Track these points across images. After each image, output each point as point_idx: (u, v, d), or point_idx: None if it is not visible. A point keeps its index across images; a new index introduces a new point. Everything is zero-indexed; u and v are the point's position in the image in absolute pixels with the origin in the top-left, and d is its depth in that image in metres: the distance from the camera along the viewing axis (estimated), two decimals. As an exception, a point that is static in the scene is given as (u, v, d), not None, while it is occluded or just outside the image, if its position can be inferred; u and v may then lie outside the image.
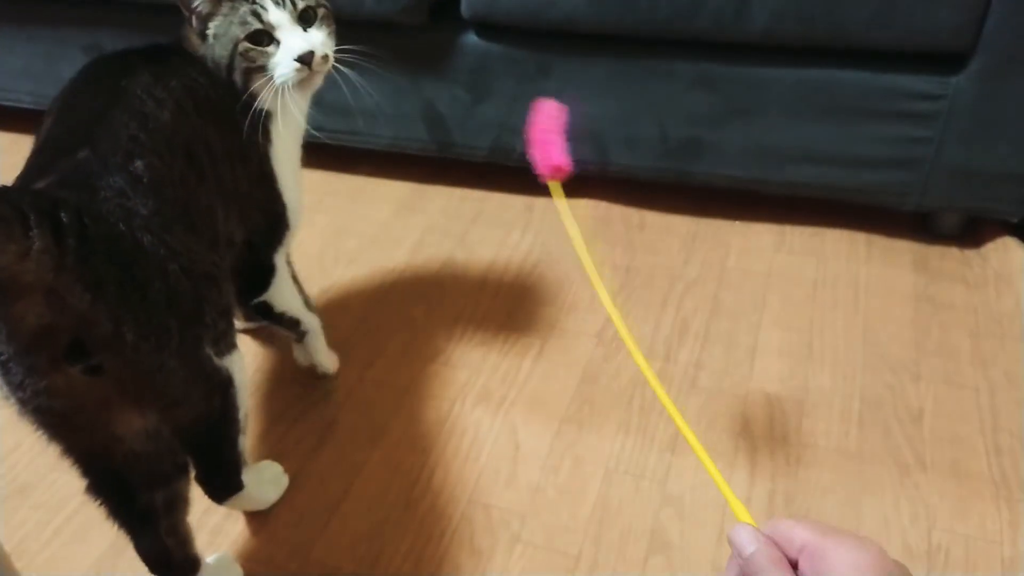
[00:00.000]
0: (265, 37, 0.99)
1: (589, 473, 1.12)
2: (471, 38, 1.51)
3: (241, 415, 0.99)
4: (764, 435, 1.16)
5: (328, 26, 1.04)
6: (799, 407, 1.20)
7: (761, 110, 1.43)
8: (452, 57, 1.53)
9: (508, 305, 1.41)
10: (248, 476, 1.04)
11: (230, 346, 0.95)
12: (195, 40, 1.02)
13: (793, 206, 1.58)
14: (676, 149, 1.51)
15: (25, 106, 1.85)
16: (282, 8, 0.99)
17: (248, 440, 1.18)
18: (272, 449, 1.17)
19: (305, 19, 1.01)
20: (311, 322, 1.22)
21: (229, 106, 1.00)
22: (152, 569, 0.95)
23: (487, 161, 1.65)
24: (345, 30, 1.55)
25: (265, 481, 1.11)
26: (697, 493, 1.09)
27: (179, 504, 0.94)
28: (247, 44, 0.98)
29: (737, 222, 1.59)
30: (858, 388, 1.23)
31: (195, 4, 0.99)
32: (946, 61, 1.32)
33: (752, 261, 1.49)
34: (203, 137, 0.96)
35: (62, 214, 0.72)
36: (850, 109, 1.40)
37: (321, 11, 1.03)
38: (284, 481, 1.13)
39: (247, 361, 1.30)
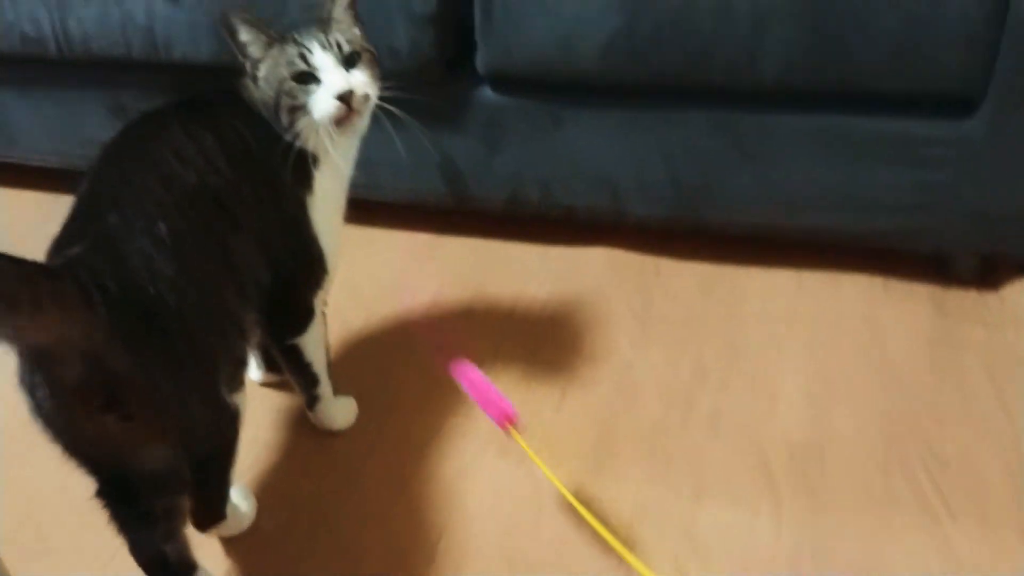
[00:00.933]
0: (309, 78, 1.04)
1: (613, 524, 1.11)
2: (486, 92, 1.54)
3: (237, 452, 1.04)
4: (788, 482, 1.15)
5: (371, 69, 1.09)
6: (822, 453, 1.19)
7: (775, 156, 1.45)
8: (467, 110, 1.56)
9: (527, 355, 1.42)
10: (230, 506, 1.09)
11: (240, 384, 1.02)
12: (249, 84, 1.08)
13: (810, 250, 1.58)
14: (690, 196, 1.53)
15: (51, 166, 1.89)
16: (327, 51, 1.04)
17: (266, 491, 1.18)
18: (294, 501, 1.17)
19: (349, 61, 1.06)
20: (326, 390, 1.24)
21: (267, 154, 1.04)
22: (148, 573, 0.98)
23: (503, 211, 1.67)
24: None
25: (240, 508, 1.14)
26: (724, 543, 1.08)
27: (178, 513, 0.98)
28: (291, 83, 1.03)
29: (753, 267, 1.59)
30: (881, 433, 1.22)
31: (248, 49, 1.06)
32: (957, 105, 1.34)
33: (770, 306, 1.49)
34: (235, 188, 0.99)
35: (110, 285, 0.79)
36: (864, 154, 1.41)
37: (365, 55, 1.08)
38: (253, 505, 1.15)
39: (269, 418, 1.32)
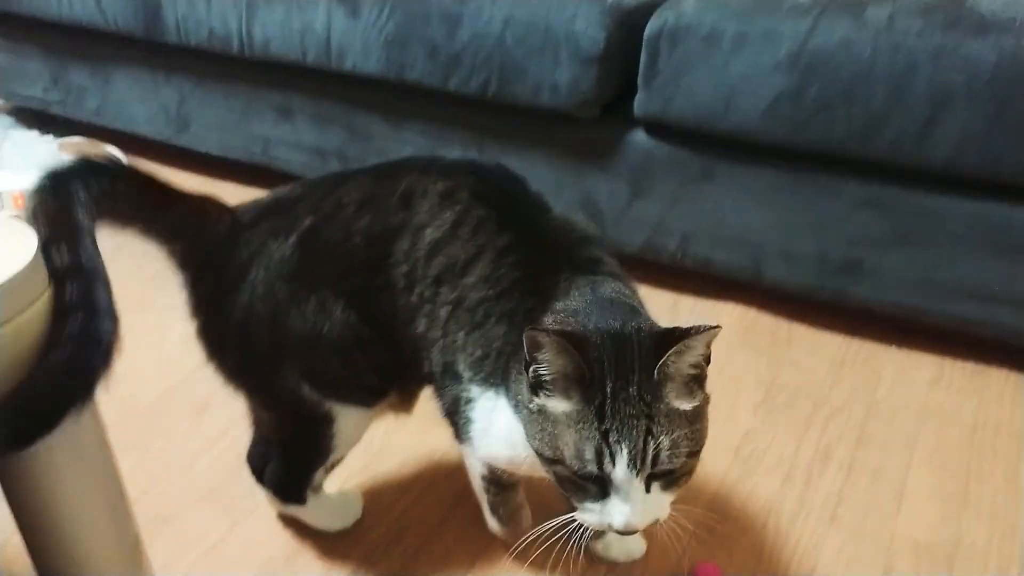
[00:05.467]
0: (596, 481, 0.78)
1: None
2: (639, 136, 1.54)
3: (332, 456, 1.07)
4: (909, 587, 1.09)
5: (680, 485, 0.82)
6: (950, 561, 1.12)
7: (931, 239, 1.38)
8: (617, 152, 1.56)
9: (645, 404, 1.40)
10: (316, 499, 1.12)
11: (348, 399, 1.02)
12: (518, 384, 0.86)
13: (955, 339, 1.50)
14: (835, 269, 1.48)
15: (215, 154, 2.00)
16: (635, 472, 0.76)
17: (374, 500, 1.20)
18: (397, 520, 1.18)
19: (660, 481, 0.79)
20: None
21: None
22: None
23: (637, 255, 1.66)
24: (518, 118, 1.61)
25: (331, 509, 1.16)
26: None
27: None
28: (568, 470, 0.79)
29: (892, 348, 1.52)
30: (1019, 549, 1.14)
31: (542, 371, 0.79)
32: None
33: (905, 393, 1.42)
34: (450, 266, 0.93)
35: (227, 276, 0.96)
36: (1029, 249, 1.33)
37: (683, 480, 0.81)
38: (351, 515, 1.17)
39: (383, 426, 1.34)
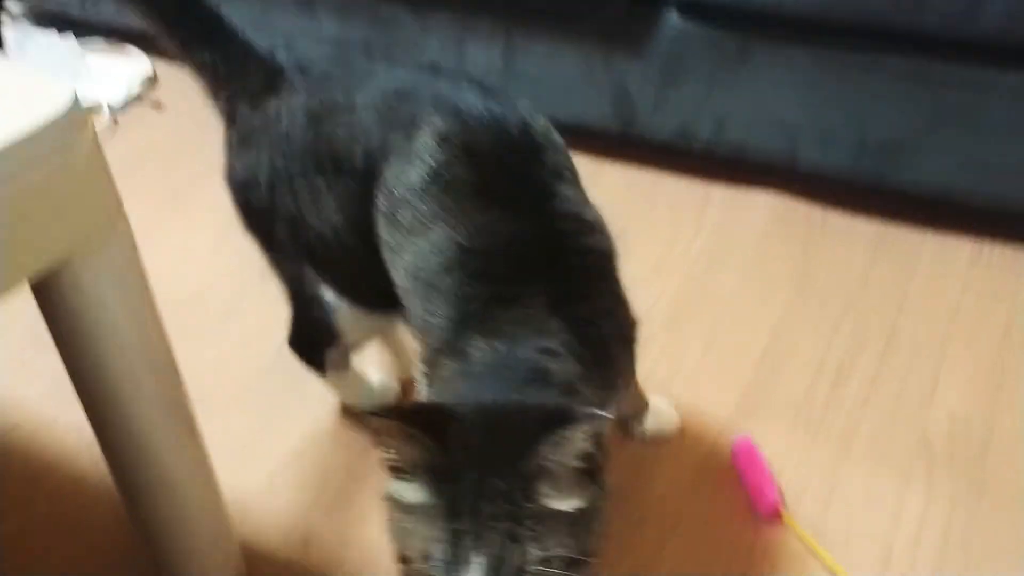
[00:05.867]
0: None
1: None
2: (672, 17, 1.48)
3: (340, 341, 1.07)
4: (944, 459, 1.10)
5: None
6: (984, 441, 1.13)
7: (979, 117, 1.34)
8: (649, 35, 1.51)
9: (677, 295, 1.39)
10: (341, 376, 1.14)
11: (344, 296, 1.01)
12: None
13: (996, 221, 1.46)
14: (874, 151, 1.44)
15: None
16: None
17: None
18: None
19: None
20: None
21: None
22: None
23: (669, 143, 1.62)
24: (546, 3, 1.56)
25: (360, 392, 1.18)
26: (869, 503, 1.05)
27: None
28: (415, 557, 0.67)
29: (928, 231, 1.49)
30: (1054, 428, 1.14)
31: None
32: None
33: (943, 276, 1.40)
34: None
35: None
36: (1080, 125, 1.29)
37: None
38: (389, 389, 1.19)
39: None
